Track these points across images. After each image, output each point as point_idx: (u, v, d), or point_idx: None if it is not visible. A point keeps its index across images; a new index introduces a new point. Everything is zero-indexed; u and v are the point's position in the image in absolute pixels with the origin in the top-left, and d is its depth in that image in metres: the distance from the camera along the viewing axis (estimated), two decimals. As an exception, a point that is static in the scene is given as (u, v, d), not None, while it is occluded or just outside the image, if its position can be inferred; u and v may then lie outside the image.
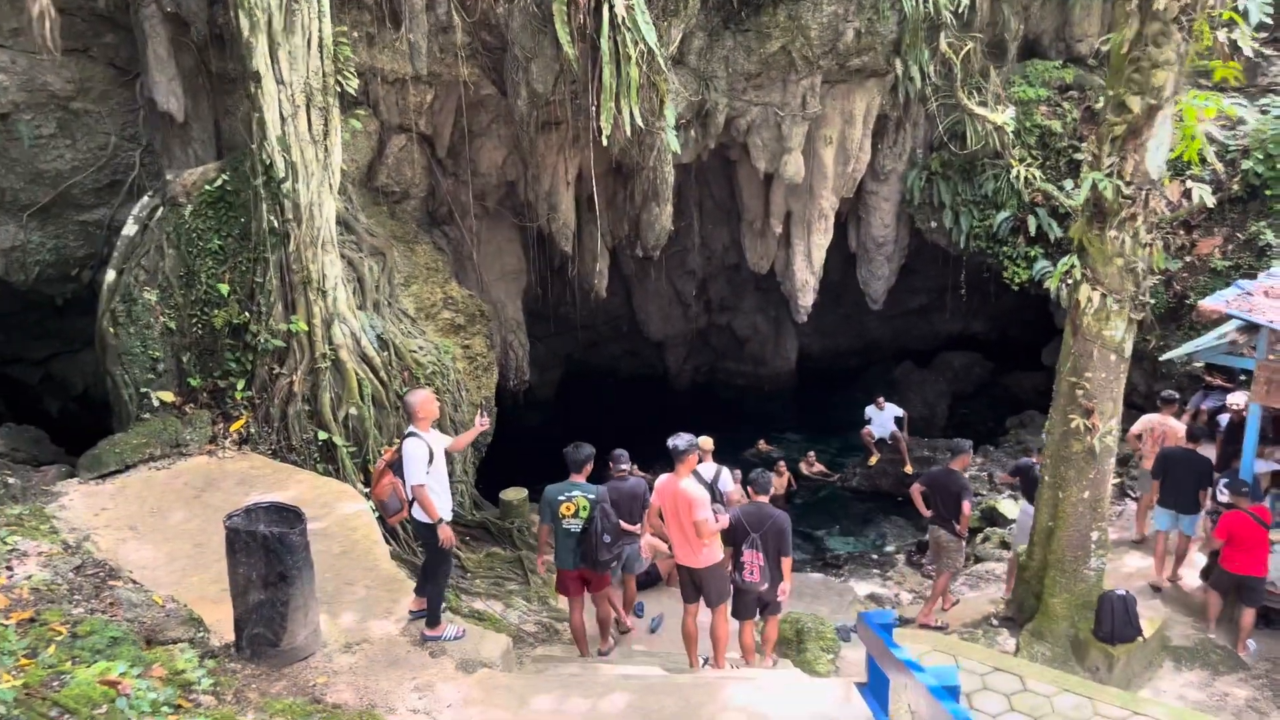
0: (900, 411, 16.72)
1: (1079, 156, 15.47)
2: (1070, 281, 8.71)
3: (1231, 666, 9.18)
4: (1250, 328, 9.51)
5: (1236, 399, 11.51)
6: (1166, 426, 10.90)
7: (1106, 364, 8.47)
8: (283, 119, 9.74)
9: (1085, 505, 8.85)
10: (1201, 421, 12.11)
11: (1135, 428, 11.18)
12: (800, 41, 13.89)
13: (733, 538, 7.85)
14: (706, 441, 11.48)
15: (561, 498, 7.81)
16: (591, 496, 7.77)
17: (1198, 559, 10.27)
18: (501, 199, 14.96)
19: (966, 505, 9.82)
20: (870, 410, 16.72)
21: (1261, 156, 13.84)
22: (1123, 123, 7.79)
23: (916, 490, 10.35)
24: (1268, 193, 13.93)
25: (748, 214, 17.06)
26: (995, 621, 9.99)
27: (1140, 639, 8.70)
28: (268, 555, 6.02)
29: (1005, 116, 14.86)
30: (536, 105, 12.26)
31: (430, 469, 6.56)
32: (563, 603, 8.84)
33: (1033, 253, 15.61)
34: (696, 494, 7.39)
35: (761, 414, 19.47)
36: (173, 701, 4.70)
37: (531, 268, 16.76)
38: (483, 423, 7.02)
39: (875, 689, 4.43)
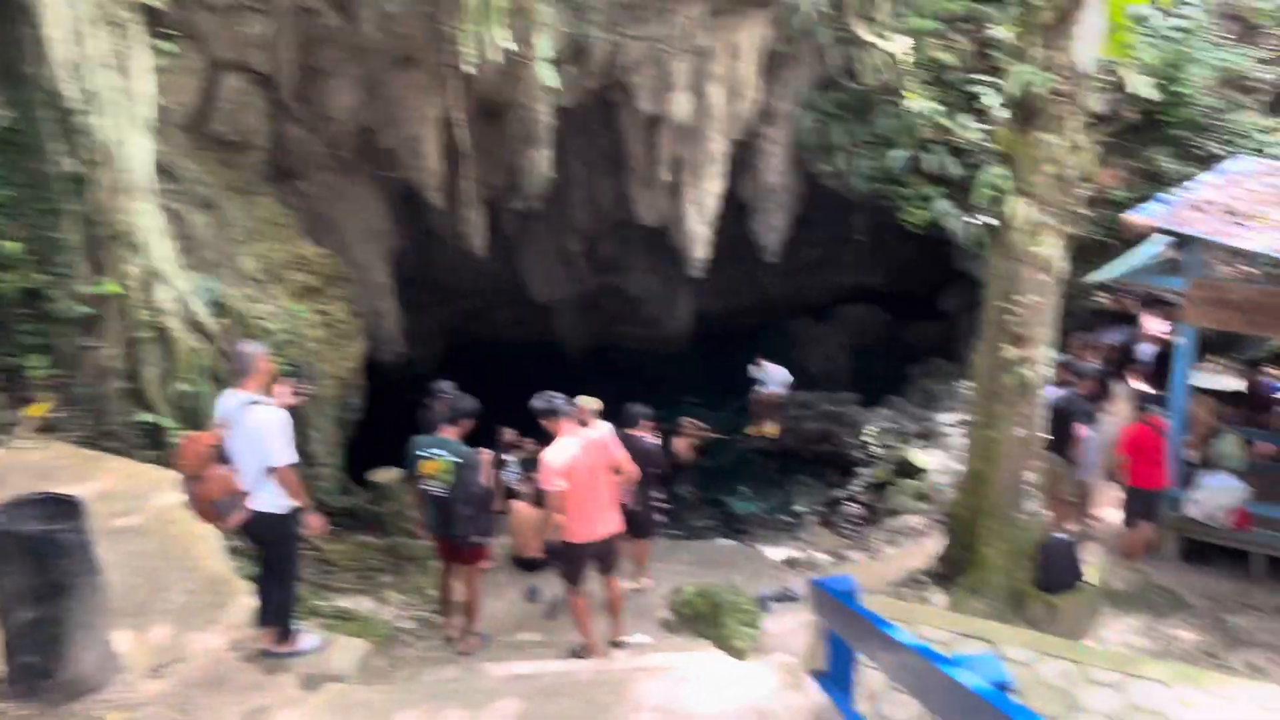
0: (784, 372, 16.03)
1: (974, 89, 14.87)
2: (990, 198, 7.85)
3: (1173, 608, 8.61)
4: (1182, 244, 8.83)
5: (1152, 327, 11.01)
6: None
7: (1038, 286, 7.66)
8: (70, 38, 8.06)
9: (1018, 444, 8.08)
10: (1111, 356, 11.62)
11: None
12: (681, -37, 12.78)
13: None
14: (591, 402, 10.29)
15: (422, 452, 6.53)
16: (459, 461, 6.50)
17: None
18: (359, 149, 13.39)
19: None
20: (755, 373, 15.99)
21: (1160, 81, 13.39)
22: (1051, 7, 6.94)
23: None
24: (1164, 116, 13.50)
25: (633, 161, 15.88)
26: (923, 578, 9.18)
27: (1083, 586, 8.01)
28: (35, 561, 4.61)
29: (900, 45, 14.06)
30: (390, 32, 10.79)
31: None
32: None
33: (931, 192, 14.92)
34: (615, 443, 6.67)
35: (658, 378, 18.35)
36: None
37: (399, 228, 15.23)
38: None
39: (837, 675, 3.36)
